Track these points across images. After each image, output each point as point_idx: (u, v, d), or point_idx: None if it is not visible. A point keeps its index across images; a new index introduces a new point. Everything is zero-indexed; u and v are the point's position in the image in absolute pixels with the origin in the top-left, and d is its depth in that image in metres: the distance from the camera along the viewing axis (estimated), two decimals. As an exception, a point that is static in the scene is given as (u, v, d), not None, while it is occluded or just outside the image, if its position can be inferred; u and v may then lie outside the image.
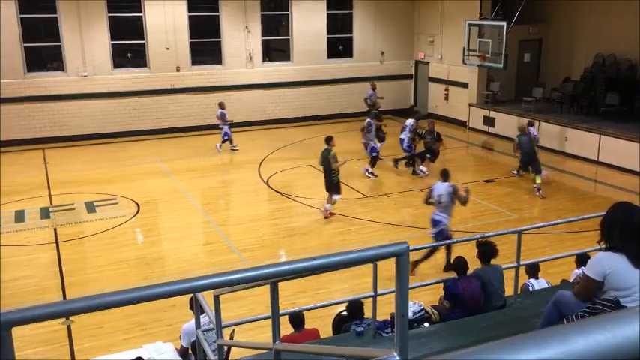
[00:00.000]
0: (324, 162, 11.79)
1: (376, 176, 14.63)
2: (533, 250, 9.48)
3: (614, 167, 14.92)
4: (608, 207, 3.68)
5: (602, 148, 15.33)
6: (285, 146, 17.91)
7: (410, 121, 14.86)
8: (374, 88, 18.85)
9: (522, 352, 0.75)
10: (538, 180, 13.15)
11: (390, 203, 12.89)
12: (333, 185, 11.81)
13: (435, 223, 9.22)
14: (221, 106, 17.28)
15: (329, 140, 11.87)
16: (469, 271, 6.28)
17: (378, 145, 15.04)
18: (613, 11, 16.82)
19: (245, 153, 17.31)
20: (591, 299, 3.66)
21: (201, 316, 5.13)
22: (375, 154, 14.75)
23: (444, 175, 9.32)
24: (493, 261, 6.26)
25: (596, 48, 17.83)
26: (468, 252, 6.55)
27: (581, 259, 6.52)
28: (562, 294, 4.32)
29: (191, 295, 5.33)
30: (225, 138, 17.24)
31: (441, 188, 9.15)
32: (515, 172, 14.57)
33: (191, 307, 5.75)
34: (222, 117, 17.14)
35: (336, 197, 11.94)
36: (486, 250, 6.20)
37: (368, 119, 15.02)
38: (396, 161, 15.07)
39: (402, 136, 14.84)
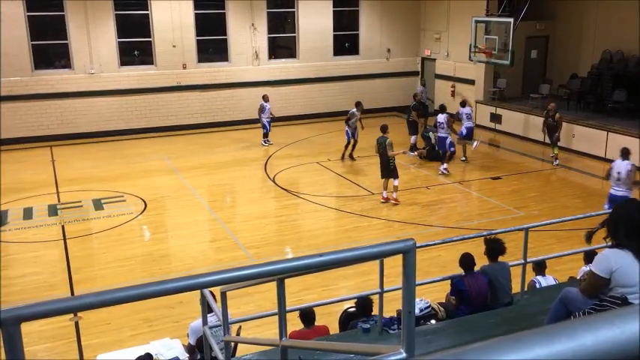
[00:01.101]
0: (382, 149, 12.21)
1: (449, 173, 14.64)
2: (541, 247, 9.46)
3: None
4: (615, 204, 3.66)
5: (610, 145, 15.25)
6: (291, 143, 17.92)
7: (443, 117, 14.77)
8: (424, 85, 18.79)
9: (531, 347, 0.75)
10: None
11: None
12: (391, 171, 12.38)
13: (617, 199, 9.37)
14: (264, 99, 17.46)
15: (385, 129, 12.38)
16: (476, 268, 6.26)
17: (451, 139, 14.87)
18: (620, 7, 16.71)
19: (251, 150, 17.33)
20: (598, 296, 3.65)
21: (209, 316, 5.15)
22: (452, 149, 14.74)
23: (624, 153, 9.88)
24: (501, 258, 6.24)
25: (603, 44, 17.73)
26: (475, 249, 6.54)
27: (589, 256, 6.49)
28: (569, 291, 4.31)
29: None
30: (265, 131, 17.48)
31: (621, 166, 9.70)
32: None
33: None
34: (262, 110, 17.35)
35: (395, 182, 12.46)
36: (494, 247, 6.17)
37: (444, 115, 14.86)
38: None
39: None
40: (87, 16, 18.15)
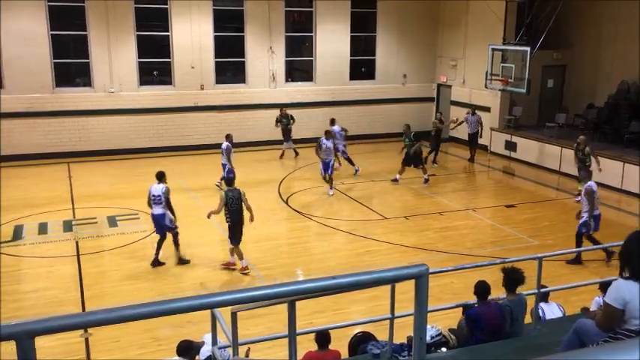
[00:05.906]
0: (237, 205, 10.11)
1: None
2: (554, 277, 9.34)
3: (638, 195, 14.69)
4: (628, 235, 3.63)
5: (626, 176, 15.12)
6: (305, 165, 17.95)
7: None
8: (473, 114, 18.51)
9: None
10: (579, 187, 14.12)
11: (409, 225, 12.83)
12: (240, 232, 10.29)
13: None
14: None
15: (230, 181, 10.76)
16: (492, 296, 6.12)
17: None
18: (638, 38, 16.68)
19: (265, 172, 17.38)
20: (613, 328, 3.60)
21: (204, 337, 5.13)
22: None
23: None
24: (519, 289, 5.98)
25: (620, 75, 17.68)
26: (488, 277, 6.47)
27: (605, 288, 6.37)
28: (583, 322, 4.26)
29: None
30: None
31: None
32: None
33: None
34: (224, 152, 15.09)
35: (235, 244, 10.30)
36: (514, 277, 5.87)
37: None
38: None
39: None
40: (109, 36, 18.48)
